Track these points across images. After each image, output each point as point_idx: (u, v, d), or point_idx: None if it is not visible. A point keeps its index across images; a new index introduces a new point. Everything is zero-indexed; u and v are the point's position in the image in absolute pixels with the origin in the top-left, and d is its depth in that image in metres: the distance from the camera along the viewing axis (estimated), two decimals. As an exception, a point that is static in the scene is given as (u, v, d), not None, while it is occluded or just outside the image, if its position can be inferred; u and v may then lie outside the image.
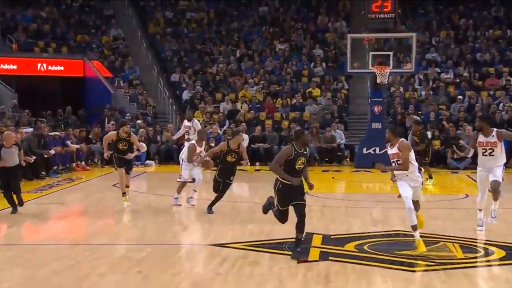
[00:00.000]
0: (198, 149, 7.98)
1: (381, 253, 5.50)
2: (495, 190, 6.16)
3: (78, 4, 21.04)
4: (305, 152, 5.10)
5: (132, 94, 18.17)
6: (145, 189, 11.75)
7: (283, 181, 5.01)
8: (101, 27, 20.58)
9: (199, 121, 15.37)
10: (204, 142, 9.05)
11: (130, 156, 8.36)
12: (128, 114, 16.38)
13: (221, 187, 7.45)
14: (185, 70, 19.43)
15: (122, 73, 19.13)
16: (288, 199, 5.11)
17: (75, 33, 19.59)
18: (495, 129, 6.27)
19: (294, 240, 5.24)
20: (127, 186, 8.74)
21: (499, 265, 5.39)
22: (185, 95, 18.24)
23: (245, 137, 13.54)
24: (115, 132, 8.79)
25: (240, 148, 7.50)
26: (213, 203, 7.52)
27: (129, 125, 8.99)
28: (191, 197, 8.22)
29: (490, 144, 6.08)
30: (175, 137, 12.98)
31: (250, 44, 20.64)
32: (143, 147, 10.77)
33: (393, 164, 5.48)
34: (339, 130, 15.94)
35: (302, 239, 5.17)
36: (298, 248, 5.15)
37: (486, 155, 6.14)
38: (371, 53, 14.89)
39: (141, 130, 14.44)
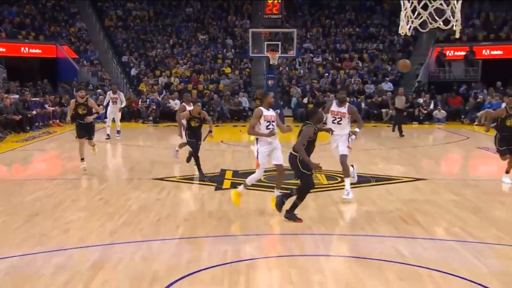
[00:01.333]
0: (188, 108, 7.88)
1: (272, 182, 5.95)
2: (342, 163, 6.16)
3: (51, 3, 22.80)
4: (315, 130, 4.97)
5: (93, 71, 20.26)
6: (103, 139, 11.78)
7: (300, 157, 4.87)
8: (68, 21, 22.38)
9: (143, 90, 19.34)
10: (191, 103, 8.81)
11: (89, 119, 8.18)
12: (90, 85, 18.71)
13: (197, 145, 7.45)
14: (132, 53, 21.55)
15: (85, 55, 21.00)
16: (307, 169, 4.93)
17: (49, 25, 21.36)
18: (348, 103, 6.41)
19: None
20: (93, 145, 8.55)
21: (352, 188, 5.97)
22: (133, 71, 20.70)
23: (177, 102, 15.88)
24: (74, 99, 8.59)
25: (201, 114, 7.57)
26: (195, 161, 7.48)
27: (84, 90, 8.71)
28: (177, 150, 8.23)
29: (340, 113, 6.16)
30: (104, 103, 13.48)
31: (180, 35, 22.94)
32: (101, 109, 10.37)
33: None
34: (244, 97, 18.51)
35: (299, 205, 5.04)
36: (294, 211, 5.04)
37: (335, 123, 6.18)
38: (266, 43, 17.77)
39: (100, 96, 16.36)
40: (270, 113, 5.57)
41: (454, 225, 4.92)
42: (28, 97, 14.49)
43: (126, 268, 3.74)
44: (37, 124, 14.06)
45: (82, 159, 8.11)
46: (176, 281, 3.51)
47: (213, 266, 3.83)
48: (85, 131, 8.22)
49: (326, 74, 20.22)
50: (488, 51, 18.77)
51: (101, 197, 6.27)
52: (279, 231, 5.02)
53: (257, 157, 5.61)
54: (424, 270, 3.67)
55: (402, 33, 6.51)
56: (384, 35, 22.25)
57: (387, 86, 18.83)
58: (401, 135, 12.53)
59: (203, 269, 3.79)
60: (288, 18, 21.98)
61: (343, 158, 6.05)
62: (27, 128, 13.36)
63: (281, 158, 5.60)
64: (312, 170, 4.88)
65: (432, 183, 7.20)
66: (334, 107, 6.19)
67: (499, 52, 18.59)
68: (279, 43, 17.97)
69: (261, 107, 5.59)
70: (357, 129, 6.44)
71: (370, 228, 4.84)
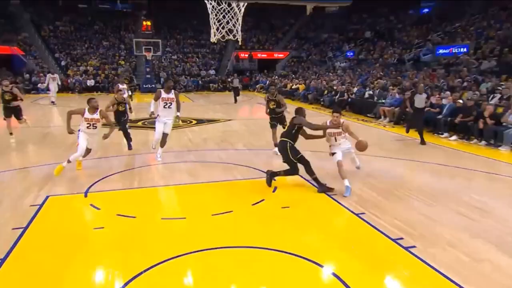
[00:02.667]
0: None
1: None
2: (164, 140, 7.89)
3: (3, 20, 30.75)
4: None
5: (36, 62, 29.50)
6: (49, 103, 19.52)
7: (293, 143, 6.07)
8: (16, 31, 30.96)
9: (70, 74, 29.38)
10: (124, 84, 12.84)
11: (14, 103, 9.27)
12: (36, 70, 27.99)
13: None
14: (61, 52, 31.61)
15: (30, 52, 29.85)
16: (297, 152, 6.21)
17: (4, 33, 29.73)
18: (173, 90, 7.77)
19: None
20: (24, 120, 10.08)
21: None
22: (63, 63, 30.94)
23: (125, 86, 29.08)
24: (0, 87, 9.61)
25: (175, 96, 7.99)
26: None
27: (7, 80, 9.68)
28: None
29: (170, 99, 7.61)
30: (46, 82, 19.65)
31: (91, 42, 33.63)
32: (23, 96, 10.84)
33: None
34: (134, 80, 29.16)
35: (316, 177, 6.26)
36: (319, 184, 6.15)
37: (166, 108, 7.57)
38: (143, 47, 28.18)
39: (44, 77, 25.00)
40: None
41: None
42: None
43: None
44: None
45: (11, 134, 9.70)
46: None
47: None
48: (11, 113, 9.49)
49: (179, 66, 33.16)
50: (259, 54, 35.99)
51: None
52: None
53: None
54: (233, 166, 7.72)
55: (212, 41, 9.09)
56: (209, 44, 35.09)
57: (212, 71, 33.68)
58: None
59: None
60: (156, 33, 33.68)
61: (164, 136, 7.92)
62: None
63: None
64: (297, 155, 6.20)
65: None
66: (163, 94, 7.45)
67: (264, 55, 36.00)
68: (151, 47, 28.49)
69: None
70: (178, 113, 7.98)
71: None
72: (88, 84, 28.90)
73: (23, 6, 32.95)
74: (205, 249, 4.57)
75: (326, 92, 21.10)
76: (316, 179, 6.26)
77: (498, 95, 12.98)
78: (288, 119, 7.33)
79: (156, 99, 7.68)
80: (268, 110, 9.13)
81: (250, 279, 4.08)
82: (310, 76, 28.12)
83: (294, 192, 6.72)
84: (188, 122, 13.94)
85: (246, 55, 34.43)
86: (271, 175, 6.37)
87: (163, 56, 33.69)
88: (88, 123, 6.99)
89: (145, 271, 4.09)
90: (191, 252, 4.49)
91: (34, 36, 32.25)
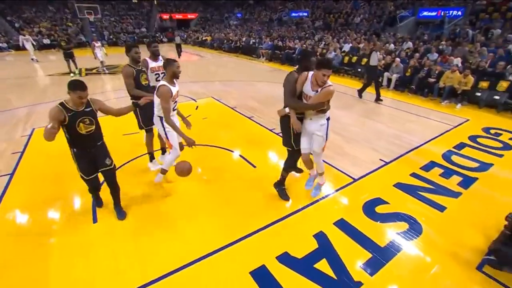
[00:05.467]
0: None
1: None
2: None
3: None
4: None
5: None
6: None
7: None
8: None
9: (25, 34, 36.43)
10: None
11: None
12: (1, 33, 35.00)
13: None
14: (13, 15, 38.03)
15: None
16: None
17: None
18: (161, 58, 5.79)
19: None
20: None
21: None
22: (16, 25, 37.31)
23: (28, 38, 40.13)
24: None
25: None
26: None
27: None
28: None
29: (159, 68, 5.67)
30: (20, 43, 22.08)
31: (39, 6, 40.45)
32: None
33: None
34: (81, 36, 43.45)
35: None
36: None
37: (158, 80, 5.60)
38: (85, 10, 38.77)
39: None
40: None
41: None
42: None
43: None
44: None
45: None
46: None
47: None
48: None
49: (117, 26, 41.98)
50: (177, 16, 48.06)
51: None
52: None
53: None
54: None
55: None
56: (138, 7, 45.45)
57: (143, 29, 45.60)
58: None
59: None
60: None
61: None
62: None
63: None
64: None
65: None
66: (152, 63, 5.66)
67: (180, 16, 48.16)
68: (92, 10, 33.16)
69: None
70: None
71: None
72: (44, 43, 36.11)
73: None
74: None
75: (225, 41, 28.85)
76: None
77: (324, 42, 20.01)
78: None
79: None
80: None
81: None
82: (214, 30, 38.30)
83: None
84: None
85: (167, 17, 44.86)
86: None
87: (103, 18, 42.01)
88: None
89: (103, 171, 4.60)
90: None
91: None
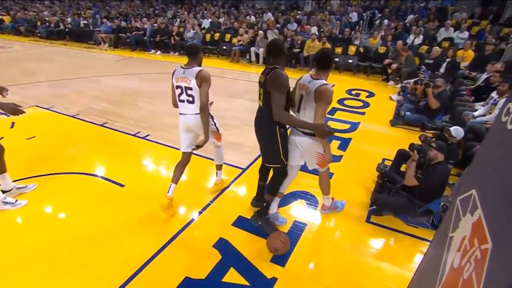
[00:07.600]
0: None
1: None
2: None
3: None
4: None
5: None
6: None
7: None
8: None
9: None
10: None
11: None
12: None
13: None
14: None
15: None
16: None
17: None
18: None
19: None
20: None
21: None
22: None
23: None
24: None
25: None
26: None
27: None
28: None
29: None
30: None
31: None
32: None
33: None
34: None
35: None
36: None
37: None
38: None
39: None
40: None
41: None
42: None
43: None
44: None
45: None
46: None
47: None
48: None
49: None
50: None
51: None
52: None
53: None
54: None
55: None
56: None
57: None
58: None
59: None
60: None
61: None
62: None
63: None
64: None
65: None
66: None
67: None
68: None
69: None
70: None
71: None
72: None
73: None
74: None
75: (39, 23, 20.57)
76: None
77: (179, 19, 18.17)
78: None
79: None
80: None
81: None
82: (13, 6, 26.26)
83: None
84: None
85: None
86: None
87: None
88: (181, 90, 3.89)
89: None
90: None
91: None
